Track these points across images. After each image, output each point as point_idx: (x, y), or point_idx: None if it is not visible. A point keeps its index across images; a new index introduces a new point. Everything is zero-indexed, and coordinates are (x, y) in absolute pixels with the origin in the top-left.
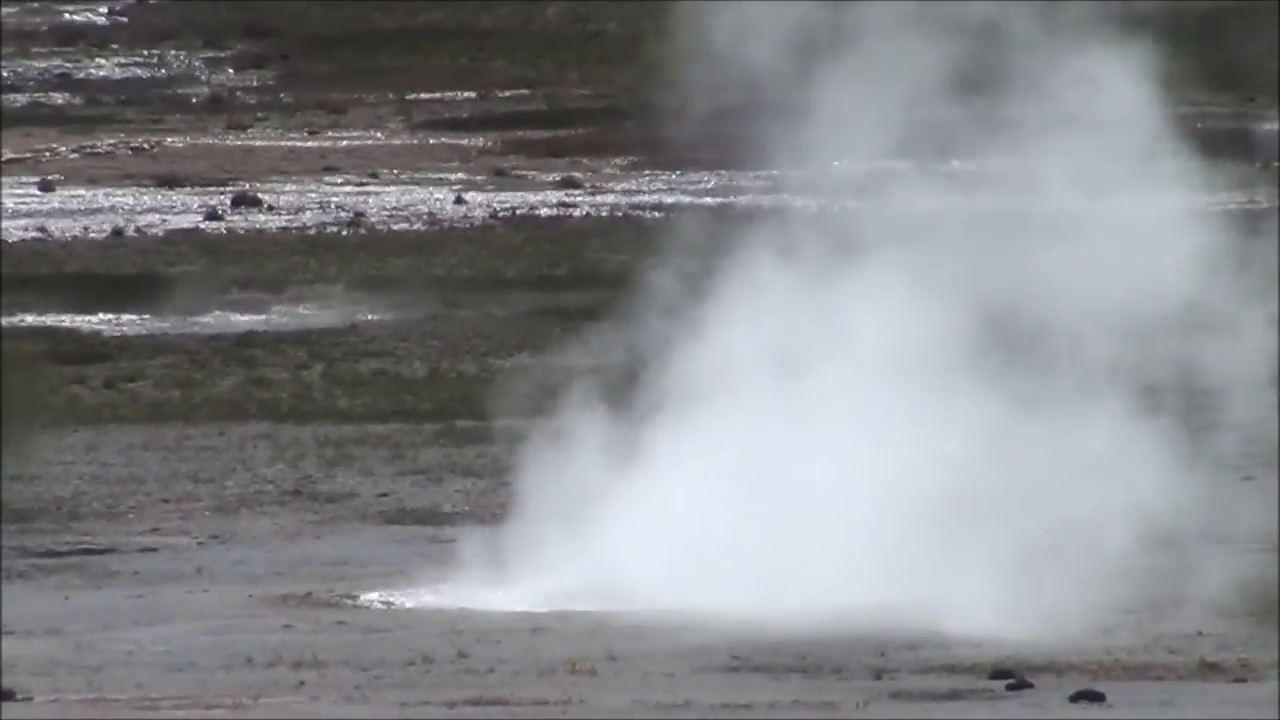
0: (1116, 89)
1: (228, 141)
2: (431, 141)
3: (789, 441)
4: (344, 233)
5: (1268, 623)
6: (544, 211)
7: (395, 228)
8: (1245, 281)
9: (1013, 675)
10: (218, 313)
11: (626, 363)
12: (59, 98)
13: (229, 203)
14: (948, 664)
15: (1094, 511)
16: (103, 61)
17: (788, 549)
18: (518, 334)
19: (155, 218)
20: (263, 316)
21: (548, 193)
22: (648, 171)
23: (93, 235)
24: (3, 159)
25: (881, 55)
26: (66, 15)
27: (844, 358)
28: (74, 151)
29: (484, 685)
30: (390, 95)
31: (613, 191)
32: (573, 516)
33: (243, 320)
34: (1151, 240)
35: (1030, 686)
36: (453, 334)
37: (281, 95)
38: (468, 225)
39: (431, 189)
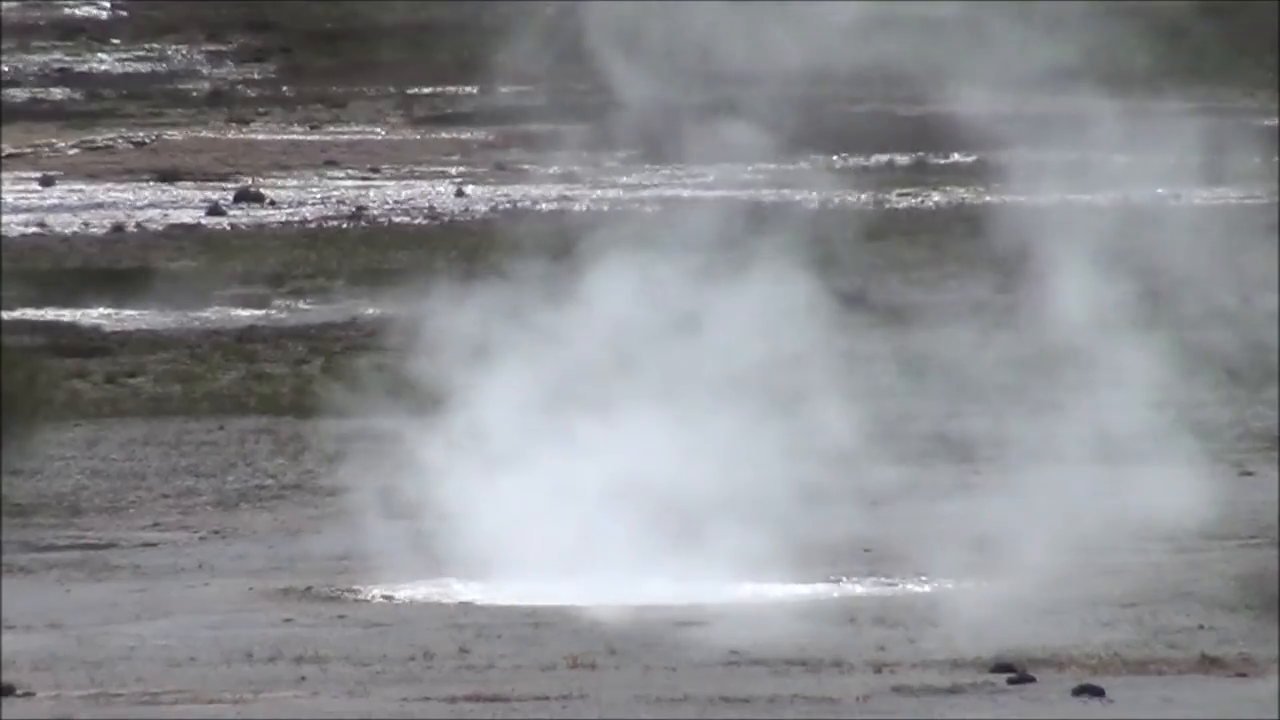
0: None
1: (229, 136)
2: (432, 135)
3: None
4: (345, 226)
5: (1268, 617)
6: (545, 205)
7: (396, 221)
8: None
9: (1014, 669)
10: (218, 307)
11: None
12: (59, 92)
13: (230, 197)
14: (949, 657)
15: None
16: (103, 56)
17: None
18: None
19: (156, 212)
20: (263, 311)
21: (548, 186)
22: (648, 165)
23: (93, 230)
24: (3, 154)
25: (877, 52)
26: (67, 9)
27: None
28: (74, 146)
29: (485, 680)
30: (391, 89)
31: (613, 186)
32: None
33: (243, 315)
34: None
35: (1032, 680)
36: None
37: (283, 89)
38: (469, 219)
39: (432, 183)
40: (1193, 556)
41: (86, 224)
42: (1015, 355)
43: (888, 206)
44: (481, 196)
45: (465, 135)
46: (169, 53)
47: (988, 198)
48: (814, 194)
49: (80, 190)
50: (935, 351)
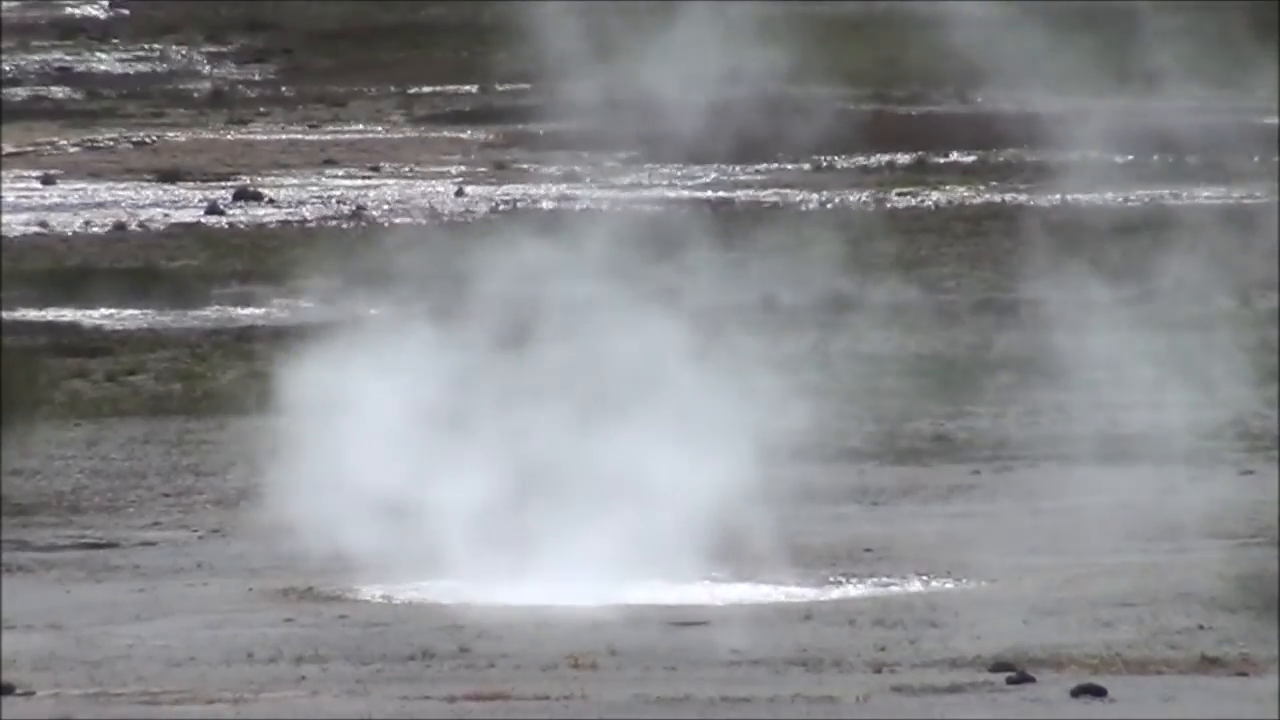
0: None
1: (229, 135)
2: (432, 135)
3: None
4: (345, 226)
5: (1268, 617)
6: (545, 205)
7: (396, 221)
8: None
9: (1014, 669)
10: (218, 307)
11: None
12: (60, 91)
13: (230, 197)
14: (948, 657)
15: None
16: (104, 55)
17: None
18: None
19: (156, 212)
20: (263, 310)
21: (549, 186)
22: (647, 165)
23: (94, 229)
24: (3, 153)
25: (873, 52)
26: (67, 9)
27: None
28: (75, 145)
29: (485, 680)
30: (391, 88)
31: (613, 186)
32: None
33: (243, 314)
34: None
35: (1031, 680)
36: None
37: (282, 89)
38: (469, 219)
39: (432, 182)
40: (1193, 556)
41: (88, 223)
42: (1016, 354)
43: (887, 206)
44: (481, 196)
45: (465, 135)
46: (169, 52)
47: (987, 196)
48: (813, 194)
49: (81, 189)
50: (935, 351)
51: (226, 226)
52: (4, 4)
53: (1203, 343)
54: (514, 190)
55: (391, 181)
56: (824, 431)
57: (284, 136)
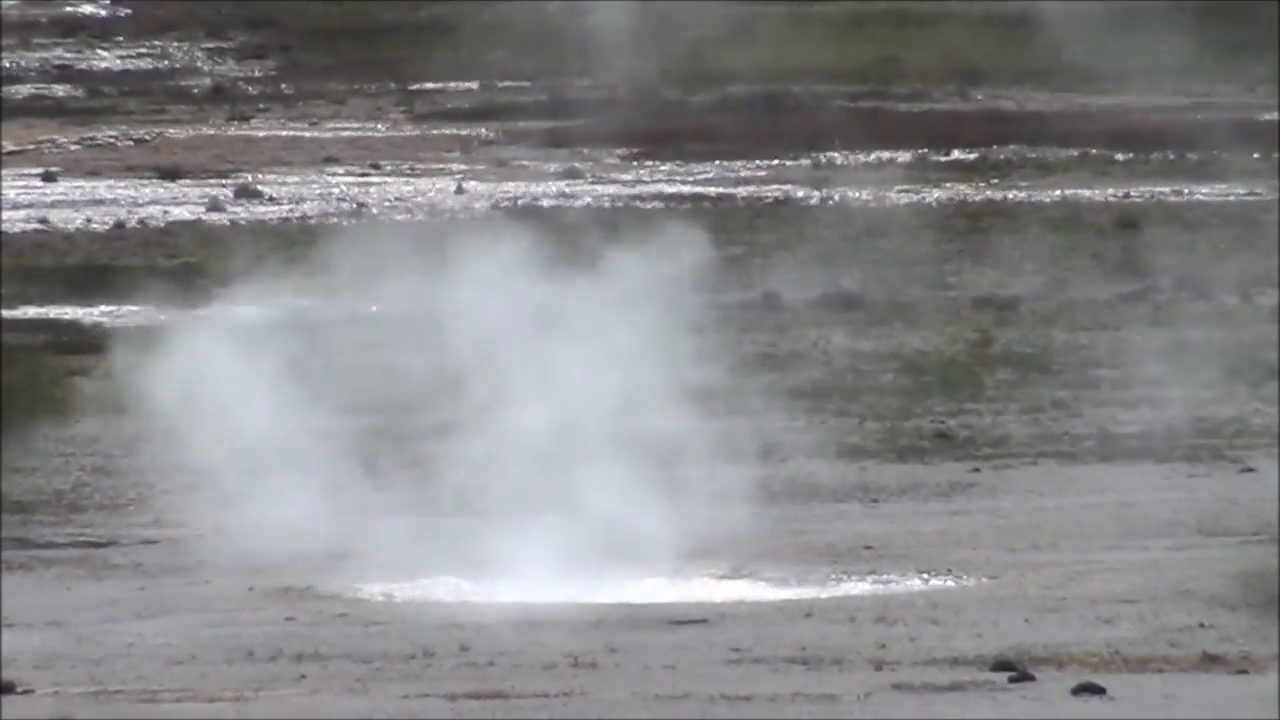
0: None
1: (229, 132)
2: (433, 132)
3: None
4: (345, 223)
5: (1269, 615)
6: (545, 202)
7: (397, 218)
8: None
9: (1014, 667)
10: (219, 304)
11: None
12: (60, 89)
13: (231, 194)
14: (949, 655)
15: None
16: (104, 53)
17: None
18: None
19: (157, 209)
20: (263, 309)
21: (549, 183)
22: (648, 162)
23: (94, 227)
24: (4, 150)
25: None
26: (68, 6)
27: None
28: (75, 143)
29: (485, 678)
30: (391, 86)
31: (613, 182)
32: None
33: (244, 312)
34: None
35: (1032, 679)
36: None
37: (283, 86)
38: (469, 216)
39: (433, 179)
40: (1193, 554)
41: (88, 220)
42: (1016, 351)
43: (888, 203)
44: (482, 193)
45: (465, 132)
46: (170, 50)
47: (988, 193)
48: (814, 191)
49: (82, 187)
50: (936, 347)
51: (227, 224)
52: (5, 1)
53: (1203, 339)
54: (514, 187)
55: (392, 179)
56: (824, 429)
57: (285, 133)
